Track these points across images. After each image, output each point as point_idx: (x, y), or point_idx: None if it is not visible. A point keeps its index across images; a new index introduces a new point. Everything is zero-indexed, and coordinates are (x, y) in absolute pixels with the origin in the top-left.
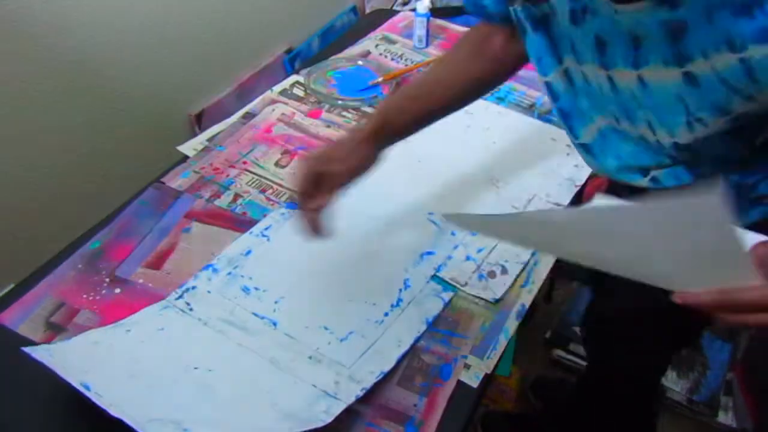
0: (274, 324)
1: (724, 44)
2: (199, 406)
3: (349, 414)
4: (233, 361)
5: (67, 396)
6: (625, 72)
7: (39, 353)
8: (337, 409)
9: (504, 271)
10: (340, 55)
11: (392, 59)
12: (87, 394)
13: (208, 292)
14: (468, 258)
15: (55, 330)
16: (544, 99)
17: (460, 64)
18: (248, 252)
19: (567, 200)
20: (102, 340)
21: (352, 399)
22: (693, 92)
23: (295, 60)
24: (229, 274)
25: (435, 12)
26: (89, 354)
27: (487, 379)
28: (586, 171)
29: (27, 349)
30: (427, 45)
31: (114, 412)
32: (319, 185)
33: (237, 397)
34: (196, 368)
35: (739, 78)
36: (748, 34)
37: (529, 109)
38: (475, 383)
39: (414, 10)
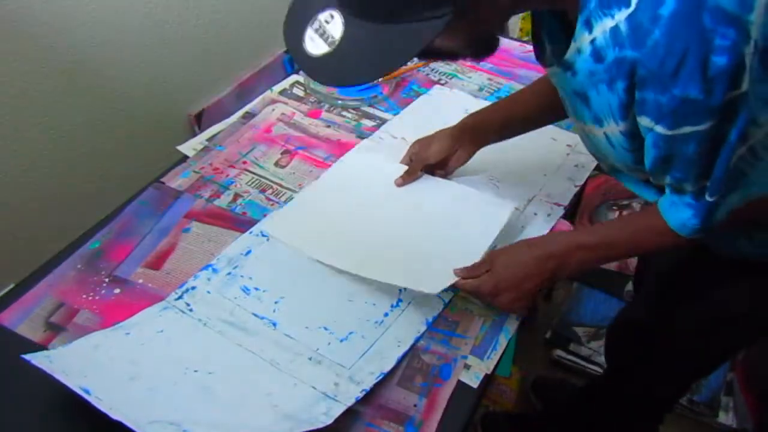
0: (274, 324)
1: (610, 115)
2: (199, 407)
3: (349, 414)
4: (233, 362)
5: (67, 397)
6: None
7: (39, 360)
8: (337, 410)
9: None
10: None
11: None
12: (87, 398)
13: (208, 292)
14: None
15: (55, 330)
16: None
17: (534, 92)
18: (248, 252)
19: (567, 200)
20: (101, 343)
21: (352, 401)
22: (611, 151)
23: None
24: (229, 274)
25: None
26: (89, 358)
27: (487, 380)
28: (586, 171)
29: (27, 356)
30: None
31: (114, 415)
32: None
33: (237, 398)
34: (196, 371)
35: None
36: (615, 108)
37: None
38: (475, 383)
39: None
